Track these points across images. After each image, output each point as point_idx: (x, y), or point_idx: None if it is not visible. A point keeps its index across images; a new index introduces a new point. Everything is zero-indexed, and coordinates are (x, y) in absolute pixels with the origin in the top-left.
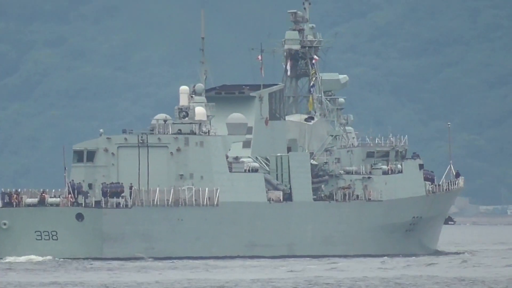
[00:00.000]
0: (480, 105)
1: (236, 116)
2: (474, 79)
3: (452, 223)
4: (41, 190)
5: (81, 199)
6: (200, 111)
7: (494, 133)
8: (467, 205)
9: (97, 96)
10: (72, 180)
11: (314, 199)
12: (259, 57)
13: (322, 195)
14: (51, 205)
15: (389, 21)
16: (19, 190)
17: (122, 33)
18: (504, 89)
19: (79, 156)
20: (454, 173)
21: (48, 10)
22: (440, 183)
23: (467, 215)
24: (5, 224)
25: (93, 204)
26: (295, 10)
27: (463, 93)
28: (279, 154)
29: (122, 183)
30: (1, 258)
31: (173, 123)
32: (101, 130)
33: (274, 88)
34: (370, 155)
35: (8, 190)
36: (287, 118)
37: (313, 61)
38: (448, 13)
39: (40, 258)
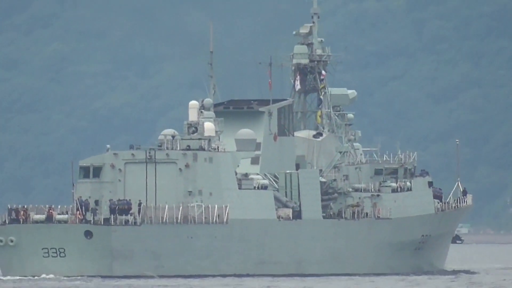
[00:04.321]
0: (425, 120)
1: (245, 132)
2: (419, 92)
3: (460, 242)
4: (49, 206)
5: (89, 216)
6: (209, 127)
7: (439, 149)
8: None
9: (30, 108)
10: (80, 197)
11: (324, 217)
12: (269, 71)
13: (331, 212)
14: (59, 222)
15: (331, 33)
16: (26, 206)
17: (56, 44)
18: (450, 103)
19: (85, 171)
20: (462, 191)
21: None
22: (448, 200)
23: None
24: (12, 241)
25: (102, 221)
26: (304, 24)
27: (408, 107)
28: (288, 171)
29: (130, 200)
30: (8, 276)
31: (182, 139)
32: (108, 145)
33: (283, 103)
34: (378, 172)
35: (15, 206)
36: (295, 134)
37: (322, 76)
38: (392, 25)
39: (47, 276)
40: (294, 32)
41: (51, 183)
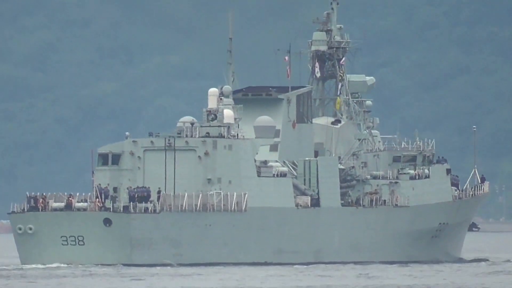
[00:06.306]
0: (415, 108)
1: (265, 119)
2: (409, 80)
3: (477, 229)
4: (68, 194)
5: (109, 204)
6: (228, 114)
7: (429, 137)
8: None
9: (14, 97)
10: (99, 184)
11: (342, 205)
12: (286, 58)
13: (349, 200)
14: (78, 209)
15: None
16: (44, 194)
17: (40, 32)
18: (440, 91)
19: (104, 159)
20: (479, 178)
21: None
22: (464, 188)
23: None
24: (30, 228)
25: (121, 209)
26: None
27: (397, 95)
28: (307, 159)
29: (149, 187)
30: (26, 264)
31: (201, 126)
32: (127, 133)
33: (302, 90)
34: (396, 159)
35: (33, 194)
36: (313, 121)
37: (341, 62)
38: (381, 11)
39: (66, 264)
40: (313, 21)
41: (35, 171)
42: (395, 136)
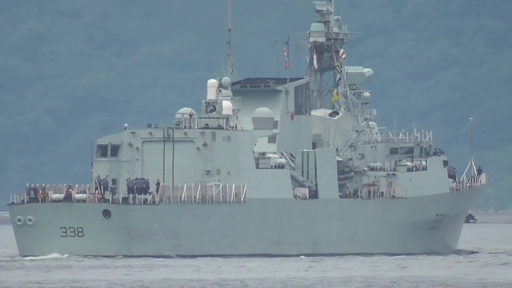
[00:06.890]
0: (403, 99)
1: (263, 111)
2: (398, 71)
3: (473, 221)
4: (67, 185)
5: (108, 195)
6: (227, 105)
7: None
8: None
9: (5, 88)
10: (99, 176)
11: (340, 196)
12: (285, 50)
13: (347, 192)
14: (78, 201)
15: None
16: (44, 185)
17: (31, 23)
18: (429, 82)
19: (103, 150)
20: (476, 170)
21: None
22: (461, 180)
23: None
24: (30, 220)
25: (121, 200)
26: (320, 2)
27: (386, 86)
28: (305, 150)
29: (148, 179)
30: (25, 255)
31: (199, 117)
32: (125, 124)
33: (300, 81)
34: (393, 151)
35: (33, 185)
36: (311, 112)
37: (340, 54)
38: (370, 2)
39: (65, 255)
40: (312, 10)
41: (26, 163)
42: (387, 128)
